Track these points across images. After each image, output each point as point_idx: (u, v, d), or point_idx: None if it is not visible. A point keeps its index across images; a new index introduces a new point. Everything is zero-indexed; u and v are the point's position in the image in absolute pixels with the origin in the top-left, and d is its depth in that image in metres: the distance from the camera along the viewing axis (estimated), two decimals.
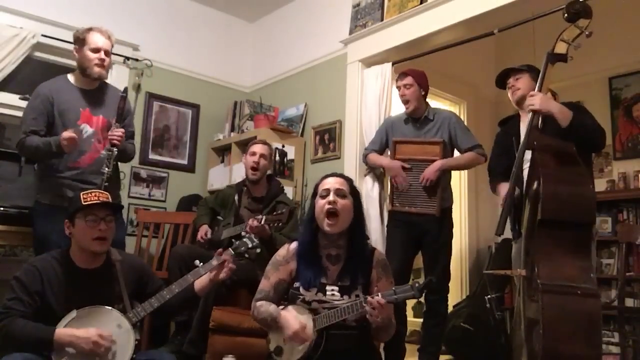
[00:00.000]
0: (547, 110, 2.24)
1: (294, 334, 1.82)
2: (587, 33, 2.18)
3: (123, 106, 2.60)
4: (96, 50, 2.55)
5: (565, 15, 2.21)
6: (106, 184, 2.42)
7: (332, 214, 1.91)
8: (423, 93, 3.05)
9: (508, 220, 2.36)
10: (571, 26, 2.22)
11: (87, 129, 2.58)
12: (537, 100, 2.24)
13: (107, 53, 2.60)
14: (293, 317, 1.86)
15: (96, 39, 2.56)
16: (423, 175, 2.88)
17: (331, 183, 1.98)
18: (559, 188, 2.03)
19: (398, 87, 3.07)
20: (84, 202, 1.93)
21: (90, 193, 1.96)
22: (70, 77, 2.67)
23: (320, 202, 1.94)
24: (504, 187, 2.46)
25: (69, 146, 2.38)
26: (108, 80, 3.92)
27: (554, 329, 1.87)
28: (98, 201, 1.94)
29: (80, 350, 1.77)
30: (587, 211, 2.06)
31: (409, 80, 3.01)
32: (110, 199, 1.99)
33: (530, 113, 2.27)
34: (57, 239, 2.24)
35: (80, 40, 2.58)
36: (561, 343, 1.86)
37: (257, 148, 3.15)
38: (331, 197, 1.92)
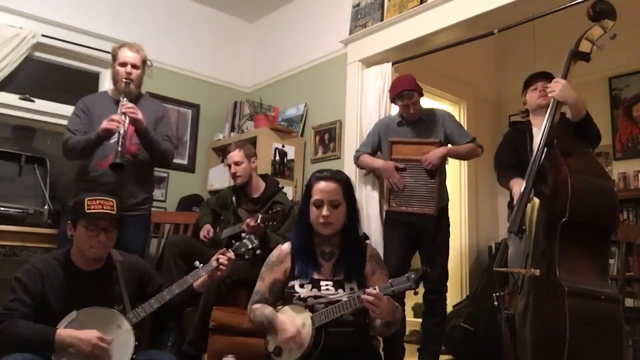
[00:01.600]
0: (564, 100, 2.22)
1: (291, 339, 1.82)
2: (611, 35, 2.17)
3: (128, 90, 2.69)
4: (123, 65, 2.72)
5: (591, 13, 2.18)
6: (117, 160, 2.45)
7: (326, 224, 1.93)
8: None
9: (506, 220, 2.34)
10: (595, 25, 2.19)
11: (113, 136, 2.64)
12: (558, 87, 2.22)
13: (135, 66, 2.75)
14: (290, 321, 1.86)
15: (124, 54, 2.75)
16: (426, 158, 2.86)
17: (324, 193, 1.92)
18: (586, 190, 2.01)
19: (406, 106, 2.94)
20: (88, 209, 1.90)
21: (95, 200, 1.92)
22: (109, 90, 2.90)
23: (314, 212, 1.93)
24: (517, 183, 2.42)
25: (105, 131, 2.54)
26: (108, 79, 3.97)
27: (579, 332, 1.85)
28: (101, 210, 1.91)
29: (80, 352, 1.78)
30: (611, 215, 2.06)
31: (416, 97, 2.95)
32: (114, 209, 1.95)
33: (550, 106, 2.25)
34: None
35: (113, 56, 2.79)
36: (586, 347, 1.85)
37: (230, 159, 3.17)
38: (325, 212, 1.90)
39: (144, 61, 2.83)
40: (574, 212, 1.97)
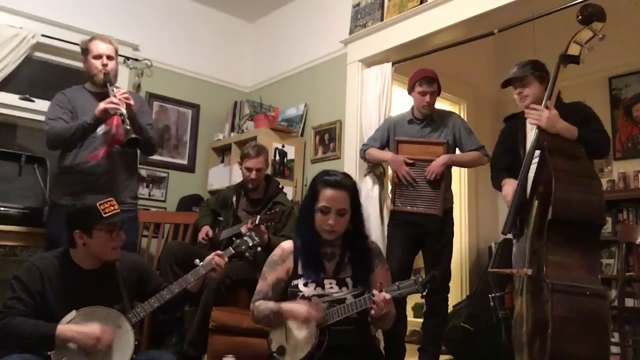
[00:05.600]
0: (553, 131, 2.20)
1: (308, 315, 1.80)
2: (600, 36, 2.16)
3: (109, 79, 2.66)
4: (98, 57, 2.67)
5: (579, 17, 2.19)
6: (132, 135, 2.46)
7: (330, 232, 1.92)
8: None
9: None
10: (585, 28, 2.19)
11: (101, 127, 2.65)
12: (544, 118, 2.20)
13: (110, 57, 2.70)
14: (297, 304, 1.87)
15: (97, 46, 2.69)
16: (429, 169, 2.86)
17: (333, 201, 1.89)
18: (570, 189, 2.03)
19: (423, 93, 2.94)
20: (105, 213, 1.92)
21: (105, 202, 1.96)
22: (85, 85, 2.80)
23: (320, 217, 1.91)
24: (508, 183, 2.45)
25: (104, 112, 2.51)
26: None
27: (563, 328, 1.87)
28: (115, 211, 1.95)
29: (82, 346, 1.78)
30: (597, 212, 2.06)
31: (435, 86, 2.96)
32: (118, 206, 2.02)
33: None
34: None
35: (84, 50, 2.72)
36: (569, 343, 1.87)
37: (251, 163, 3.11)
38: (331, 221, 1.89)
39: (117, 52, 2.79)
40: (558, 210, 1.99)
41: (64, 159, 2.63)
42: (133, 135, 2.46)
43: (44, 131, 2.65)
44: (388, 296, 1.75)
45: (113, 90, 2.58)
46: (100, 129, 2.63)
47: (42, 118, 3.67)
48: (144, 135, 2.65)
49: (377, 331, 2.07)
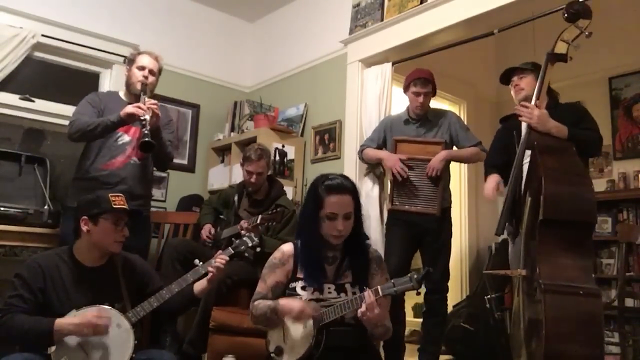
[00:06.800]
0: (544, 130, 2.22)
1: (300, 312, 1.82)
2: (586, 33, 2.18)
3: (145, 89, 2.74)
4: (141, 68, 2.79)
5: (565, 15, 2.21)
6: (148, 139, 2.48)
7: (339, 237, 1.92)
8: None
9: None
10: (571, 26, 2.21)
11: (125, 138, 2.74)
12: (535, 116, 2.22)
13: (152, 72, 2.82)
14: (293, 300, 1.87)
15: (142, 58, 2.82)
16: (429, 165, 2.85)
17: (339, 206, 1.87)
18: (560, 188, 2.03)
19: (417, 93, 2.95)
20: (114, 205, 1.97)
21: (117, 197, 2.01)
22: (120, 92, 2.92)
23: (328, 224, 1.89)
24: (491, 179, 2.48)
25: (129, 115, 2.56)
26: (107, 79, 4.00)
27: (556, 328, 1.87)
28: (124, 205, 1.99)
29: (83, 336, 1.79)
30: (588, 211, 2.06)
31: (430, 88, 2.96)
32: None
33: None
34: None
35: (130, 60, 2.86)
36: (563, 343, 1.87)
37: (252, 167, 3.10)
38: (340, 227, 1.87)
39: (160, 71, 2.88)
40: (548, 209, 1.99)
41: (82, 165, 2.71)
42: (147, 139, 2.47)
43: (70, 120, 2.70)
44: (373, 299, 1.73)
45: (144, 99, 2.63)
46: (121, 140, 2.71)
47: (42, 118, 3.73)
48: (163, 150, 2.72)
49: None
